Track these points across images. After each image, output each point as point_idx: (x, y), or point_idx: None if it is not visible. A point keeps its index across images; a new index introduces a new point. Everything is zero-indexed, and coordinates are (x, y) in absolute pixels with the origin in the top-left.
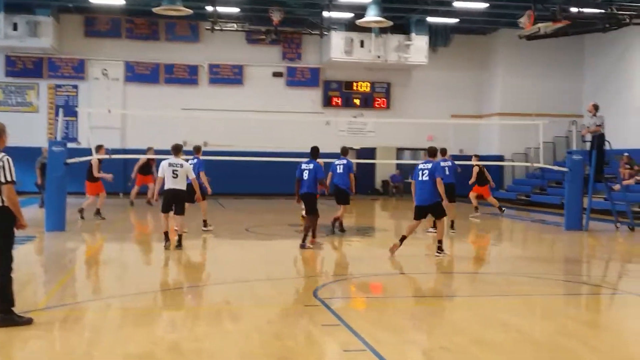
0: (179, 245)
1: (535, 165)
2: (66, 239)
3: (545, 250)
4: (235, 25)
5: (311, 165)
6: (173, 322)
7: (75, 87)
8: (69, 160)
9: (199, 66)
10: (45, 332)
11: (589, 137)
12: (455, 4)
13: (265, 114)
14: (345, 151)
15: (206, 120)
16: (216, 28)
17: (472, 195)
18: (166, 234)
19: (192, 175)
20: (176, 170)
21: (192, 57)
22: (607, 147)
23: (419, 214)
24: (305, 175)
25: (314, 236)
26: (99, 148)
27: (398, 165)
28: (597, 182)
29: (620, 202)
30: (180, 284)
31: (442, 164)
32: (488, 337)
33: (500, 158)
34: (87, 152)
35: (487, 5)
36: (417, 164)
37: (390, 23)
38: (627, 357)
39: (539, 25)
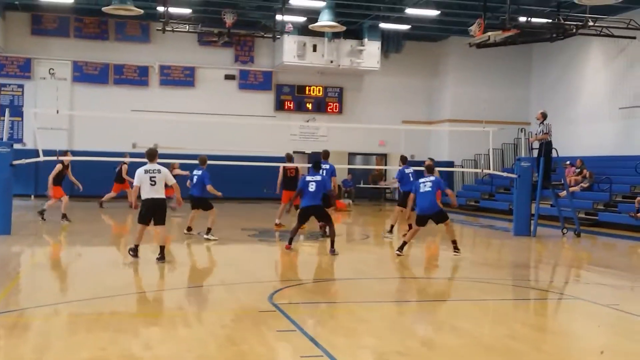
0: (162, 257)
1: (485, 171)
2: (12, 243)
3: (494, 256)
4: (187, 26)
5: (318, 178)
6: (125, 328)
7: (21, 86)
8: (15, 162)
9: (149, 67)
10: None
11: (536, 144)
12: (408, 11)
13: (217, 117)
14: (326, 155)
15: (156, 122)
16: (167, 29)
17: None
18: (136, 247)
19: (173, 181)
20: (154, 177)
21: (142, 57)
22: (554, 154)
23: (422, 221)
24: (312, 187)
25: (332, 244)
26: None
27: (350, 170)
28: (544, 189)
29: (567, 209)
30: (132, 289)
31: (407, 170)
32: (440, 340)
33: (450, 164)
34: (33, 153)
35: (438, 12)
36: (418, 179)
37: (343, 28)
38: (575, 359)
39: (489, 33)
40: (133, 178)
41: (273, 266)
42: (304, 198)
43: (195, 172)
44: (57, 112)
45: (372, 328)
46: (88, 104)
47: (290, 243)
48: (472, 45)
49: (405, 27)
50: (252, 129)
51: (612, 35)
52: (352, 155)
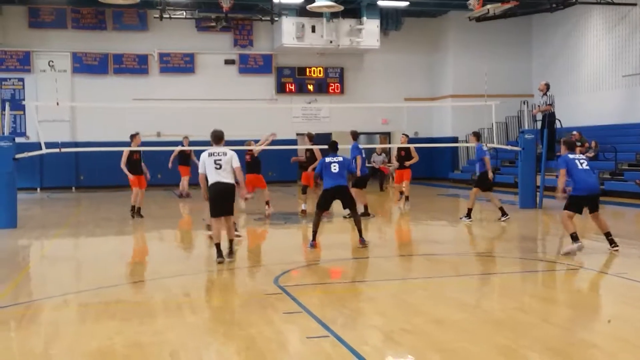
0: (231, 253)
1: (489, 145)
2: (18, 236)
3: (500, 229)
4: (184, 12)
5: (340, 158)
6: (132, 316)
7: (21, 80)
8: (18, 156)
9: (148, 55)
10: (1, 330)
11: (539, 116)
12: None
13: (219, 102)
14: (354, 135)
15: (158, 110)
16: (165, 16)
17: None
18: (218, 246)
19: (237, 164)
20: (219, 160)
21: (141, 46)
22: (557, 125)
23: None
24: (335, 168)
25: (360, 233)
26: (133, 137)
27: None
28: (549, 160)
29: None
30: (139, 277)
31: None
32: (447, 316)
33: (454, 140)
34: (36, 146)
35: None
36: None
37: (341, 8)
38: (587, 329)
39: (488, 6)
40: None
41: (279, 249)
42: (326, 179)
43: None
44: (57, 104)
45: (379, 306)
46: (89, 95)
47: (314, 239)
48: (471, 19)
49: (404, 3)
50: (254, 113)
51: (613, 3)
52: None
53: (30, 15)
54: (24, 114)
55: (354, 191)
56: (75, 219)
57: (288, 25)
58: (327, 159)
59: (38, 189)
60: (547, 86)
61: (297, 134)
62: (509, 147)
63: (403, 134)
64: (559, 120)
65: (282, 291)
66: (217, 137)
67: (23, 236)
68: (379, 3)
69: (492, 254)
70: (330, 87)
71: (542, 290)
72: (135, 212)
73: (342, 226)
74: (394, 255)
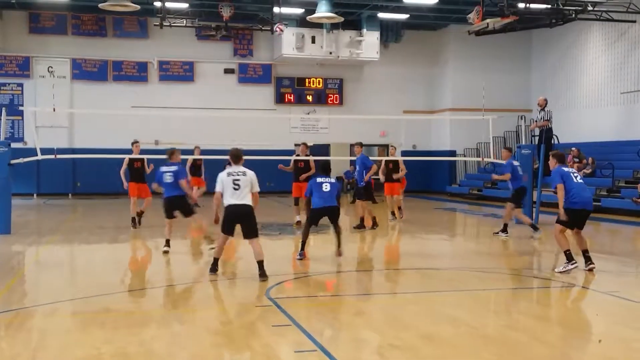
0: (263, 274)
1: (486, 160)
2: (12, 242)
3: (496, 244)
4: (184, 21)
5: (332, 180)
6: (121, 325)
7: (20, 85)
8: (13, 161)
9: (148, 63)
10: None
11: (537, 131)
12: (406, 0)
13: (218, 111)
14: (361, 146)
15: (157, 118)
16: (165, 24)
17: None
18: (216, 261)
19: (257, 188)
20: (237, 180)
21: (141, 53)
22: (554, 141)
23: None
24: (327, 187)
25: (339, 245)
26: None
27: (352, 162)
28: (545, 176)
29: None
30: (128, 286)
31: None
32: (437, 332)
33: (452, 153)
34: (33, 152)
35: (436, 1)
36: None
37: (342, 19)
38: (577, 349)
39: (488, 20)
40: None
41: (273, 260)
42: (316, 199)
43: (165, 167)
44: (54, 110)
45: (369, 321)
46: (88, 101)
47: (303, 249)
48: (471, 33)
49: (404, 16)
50: (253, 123)
51: (612, 20)
52: (353, 147)
53: (31, 20)
54: (22, 119)
55: (362, 204)
56: (69, 226)
57: (288, 36)
58: (319, 179)
59: (34, 195)
60: (546, 101)
61: (295, 145)
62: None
63: (392, 146)
64: (556, 136)
65: (273, 303)
66: (236, 157)
67: (16, 242)
68: (379, 15)
69: (486, 269)
70: (330, 98)
71: (534, 308)
72: (137, 221)
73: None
74: (386, 269)
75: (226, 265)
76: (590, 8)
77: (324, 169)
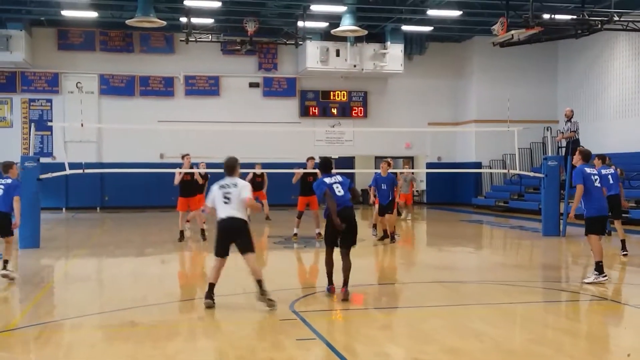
0: (263, 292)
1: (512, 172)
2: (41, 256)
3: (523, 257)
4: (210, 36)
5: (340, 178)
6: (146, 339)
7: (49, 101)
8: (42, 176)
9: (174, 78)
10: (15, 352)
11: (564, 142)
12: (430, 12)
13: (243, 125)
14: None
15: (183, 132)
16: (191, 39)
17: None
18: (211, 288)
19: (247, 194)
20: (228, 194)
21: (167, 68)
22: None
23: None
24: (339, 190)
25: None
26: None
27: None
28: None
29: None
30: (154, 300)
31: (603, 171)
32: (462, 346)
33: (478, 165)
34: (62, 167)
35: (460, 13)
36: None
37: (366, 32)
38: None
39: (512, 32)
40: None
41: (297, 273)
42: (338, 203)
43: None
44: (82, 125)
45: (393, 335)
46: (115, 116)
47: (330, 283)
48: (496, 44)
49: (427, 28)
50: (278, 136)
51: (639, 30)
52: (378, 159)
53: (59, 37)
54: (51, 134)
55: (390, 218)
56: (97, 240)
57: (312, 49)
58: (327, 180)
59: (63, 209)
60: (572, 112)
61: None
62: (531, 174)
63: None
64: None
65: (297, 317)
66: (230, 167)
67: (45, 256)
68: (403, 28)
69: (512, 282)
70: (354, 111)
71: (560, 321)
72: (200, 234)
73: (361, 251)
74: (411, 282)
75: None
76: (616, 18)
77: (327, 167)
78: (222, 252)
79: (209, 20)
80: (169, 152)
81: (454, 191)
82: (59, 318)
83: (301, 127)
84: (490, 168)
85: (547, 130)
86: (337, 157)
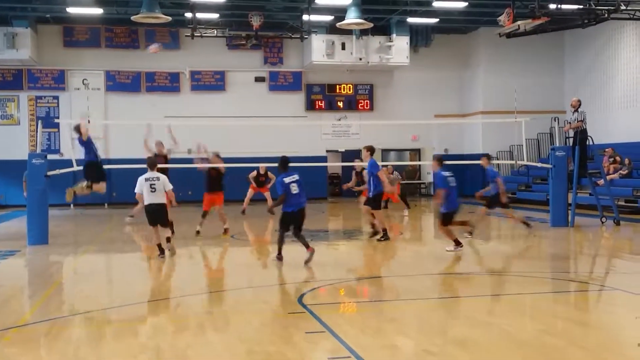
0: (162, 252)
1: (520, 162)
2: (49, 253)
3: (531, 248)
4: (215, 31)
5: (297, 177)
6: (156, 333)
7: (56, 98)
8: (50, 173)
9: (180, 73)
10: (26, 349)
11: (571, 132)
12: (435, 4)
13: (249, 119)
14: (372, 151)
15: (189, 127)
16: (196, 34)
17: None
18: (158, 245)
19: (169, 187)
20: (153, 185)
21: (173, 64)
22: (589, 142)
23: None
24: (295, 189)
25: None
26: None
27: (383, 167)
28: (581, 178)
29: (605, 197)
30: (162, 294)
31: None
32: (472, 337)
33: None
34: (69, 163)
35: (466, 4)
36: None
37: (371, 25)
38: (615, 354)
39: (519, 22)
40: None
41: (304, 267)
42: (298, 200)
43: None
44: (89, 121)
45: (402, 327)
46: (122, 112)
47: (280, 253)
48: (502, 35)
49: (433, 20)
50: (284, 130)
51: None
52: (385, 152)
53: (65, 34)
54: (58, 131)
55: (375, 213)
56: (105, 236)
57: (318, 43)
58: (286, 179)
59: (71, 205)
60: (579, 102)
61: (327, 151)
62: (539, 165)
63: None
64: (591, 137)
65: (306, 310)
66: (151, 164)
67: (53, 252)
68: (409, 20)
69: (521, 273)
70: (360, 104)
71: (571, 312)
72: (223, 231)
73: (367, 245)
74: (419, 274)
75: (257, 273)
76: (623, 7)
77: (285, 165)
78: (152, 224)
79: (214, 15)
80: (174, 147)
81: (461, 183)
82: (68, 314)
83: (307, 120)
84: (498, 159)
85: (555, 120)
86: (343, 150)
